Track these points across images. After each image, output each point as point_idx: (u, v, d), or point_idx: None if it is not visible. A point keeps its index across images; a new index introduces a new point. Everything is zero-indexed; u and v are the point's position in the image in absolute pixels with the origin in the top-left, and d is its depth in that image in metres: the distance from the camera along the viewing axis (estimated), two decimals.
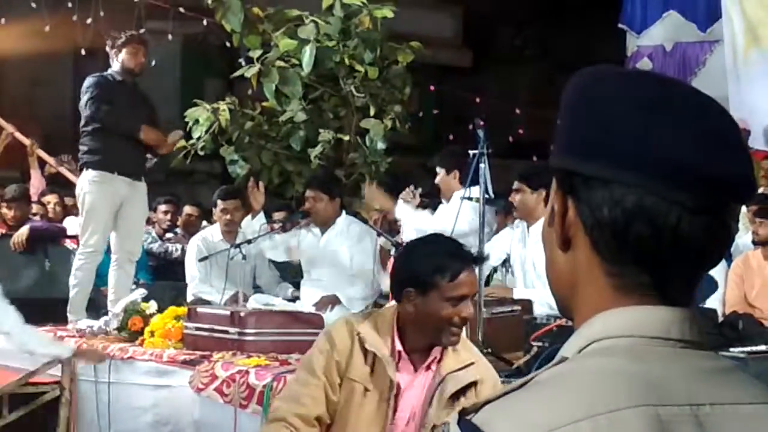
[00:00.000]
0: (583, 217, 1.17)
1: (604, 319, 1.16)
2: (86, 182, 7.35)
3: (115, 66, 7.50)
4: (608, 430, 1.05)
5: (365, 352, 3.54)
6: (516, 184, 6.49)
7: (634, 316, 1.15)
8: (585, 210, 1.17)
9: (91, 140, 7.35)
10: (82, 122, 7.45)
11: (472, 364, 3.57)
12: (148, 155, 7.74)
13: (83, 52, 10.99)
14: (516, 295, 6.12)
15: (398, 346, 3.55)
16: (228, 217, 7.89)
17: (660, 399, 1.08)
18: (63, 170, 9.87)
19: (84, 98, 7.37)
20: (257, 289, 7.81)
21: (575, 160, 1.17)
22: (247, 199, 7.77)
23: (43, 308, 7.43)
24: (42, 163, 10.01)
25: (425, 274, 3.46)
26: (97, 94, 7.31)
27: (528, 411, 1.08)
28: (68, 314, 7.22)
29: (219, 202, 7.97)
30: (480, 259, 3.82)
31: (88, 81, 7.45)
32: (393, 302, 3.72)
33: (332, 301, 6.98)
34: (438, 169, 7.26)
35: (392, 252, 5.32)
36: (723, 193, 1.13)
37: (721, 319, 6.04)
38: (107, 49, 7.63)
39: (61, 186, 10.14)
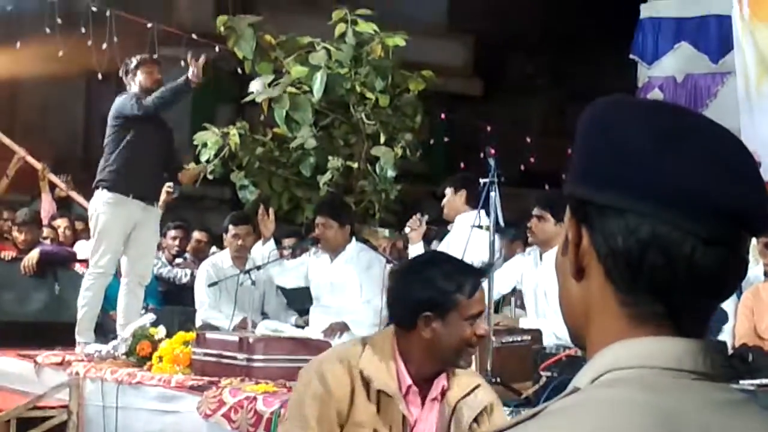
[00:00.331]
0: (597, 246, 1.17)
1: (617, 349, 1.15)
2: (100, 203, 7.35)
3: (133, 89, 7.52)
4: None
5: (368, 389, 3.21)
6: (537, 211, 6.32)
7: (647, 346, 1.15)
8: (599, 239, 1.16)
9: (109, 161, 7.37)
10: (108, 142, 7.44)
11: (478, 386, 3.37)
12: (170, 185, 7.80)
13: (99, 76, 11.04)
14: (523, 325, 6.10)
15: (407, 380, 3.24)
16: (240, 242, 7.89)
17: (672, 430, 1.07)
18: (74, 195, 9.90)
19: (129, 106, 7.33)
20: (265, 315, 7.80)
21: (590, 189, 1.17)
22: (257, 225, 7.77)
23: (53, 332, 7.45)
24: (53, 187, 10.04)
25: (445, 294, 3.20)
26: (139, 97, 7.34)
27: None
28: (76, 336, 7.22)
29: (230, 227, 7.97)
30: (485, 270, 3.62)
31: (123, 96, 7.48)
32: (384, 330, 3.37)
33: (341, 327, 6.97)
34: (446, 191, 7.26)
35: None
36: (737, 225, 1.13)
37: (730, 351, 6.01)
38: (121, 75, 7.66)
39: (69, 209, 10.17)
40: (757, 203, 1.14)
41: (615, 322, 1.17)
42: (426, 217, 7.59)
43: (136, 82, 7.50)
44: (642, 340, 1.15)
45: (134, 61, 7.60)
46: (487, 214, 5.83)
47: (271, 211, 7.71)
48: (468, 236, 5.93)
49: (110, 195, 7.31)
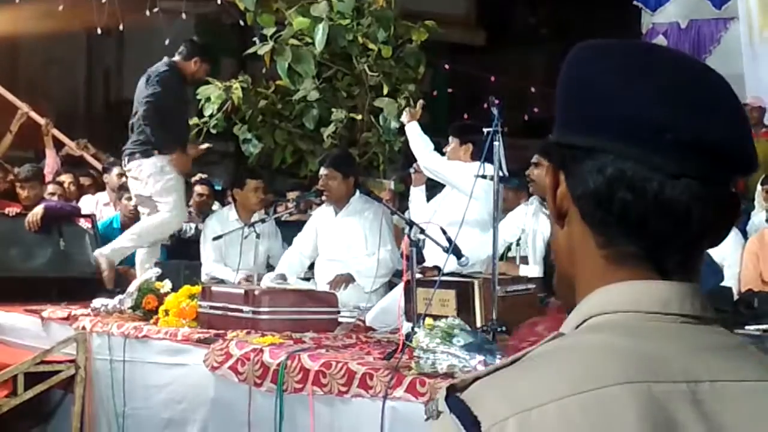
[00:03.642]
0: (572, 189, 1.17)
1: (602, 294, 1.15)
2: (168, 165, 7.55)
3: (183, 64, 7.72)
4: (596, 407, 1.03)
5: None
6: (535, 158, 6.44)
7: (632, 290, 1.13)
8: (572, 181, 1.16)
9: (165, 124, 7.53)
10: (147, 108, 7.53)
11: None
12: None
13: (98, 31, 10.98)
14: (522, 273, 6.17)
15: None
16: (261, 195, 7.91)
17: (654, 375, 1.06)
18: (87, 157, 9.90)
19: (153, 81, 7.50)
20: (271, 268, 7.80)
21: (562, 133, 1.17)
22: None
23: (58, 287, 7.46)
24: (57, 143, 10.02)
25: None
26: (168, 79, 7.55)
27: (515, 387, 1.06)
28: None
29: (250, 181, 7.93)
30: None
31: (163, 67, 7.62)
32: None
33: (346, 279, 6.97)
34: (451, 139, 7.12)
35: (406, 230, 5.26)
36: (707, 159, 1.11)
37: (736, 296, 6.02)
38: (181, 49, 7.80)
39: (75, 166, 10.15)
40: (726, 136, 1.11)
41: (595, 264, 1.16)
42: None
43: (192, 63, 7.68)
44: (626, 284, 1.14)
45: (203, 50, 7.86)
46: (491, 163, 5.80)
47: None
48: (472, 186, 5.89)
49: (168, 156, 7.54)
